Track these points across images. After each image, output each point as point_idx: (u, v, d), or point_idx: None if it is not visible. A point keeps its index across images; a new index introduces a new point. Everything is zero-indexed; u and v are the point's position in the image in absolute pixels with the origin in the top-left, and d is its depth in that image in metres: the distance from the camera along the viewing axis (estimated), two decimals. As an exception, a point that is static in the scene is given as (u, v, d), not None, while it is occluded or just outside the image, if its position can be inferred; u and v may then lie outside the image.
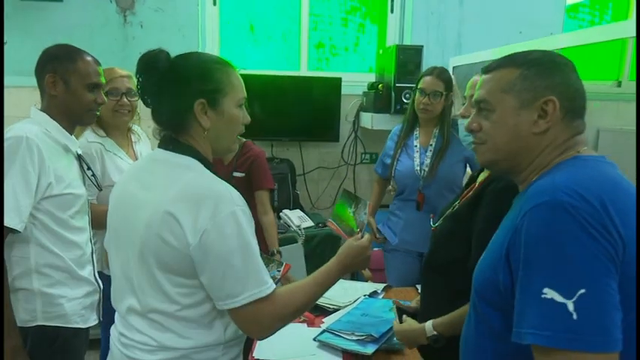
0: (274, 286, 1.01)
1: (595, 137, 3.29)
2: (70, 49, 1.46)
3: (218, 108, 1.03)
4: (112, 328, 1.11)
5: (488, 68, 0.94)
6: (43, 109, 1.45)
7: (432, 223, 1.39)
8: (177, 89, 1.02)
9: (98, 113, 1.54)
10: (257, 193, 2.23)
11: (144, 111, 1.93)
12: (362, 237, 1.19)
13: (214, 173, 1.04)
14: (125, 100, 1.82)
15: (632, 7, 3.62)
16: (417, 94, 2.08)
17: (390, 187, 2.26)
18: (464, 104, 1.35)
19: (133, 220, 1.01)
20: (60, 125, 1.44)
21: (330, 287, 1.12)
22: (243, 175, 2.21)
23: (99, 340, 2.08)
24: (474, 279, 0.93)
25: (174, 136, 1.05)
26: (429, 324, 1.25)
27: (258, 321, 0.99)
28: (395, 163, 2.16)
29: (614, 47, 3.58)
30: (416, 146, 2.11)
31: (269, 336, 1.03)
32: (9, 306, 1.33)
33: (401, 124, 2.23)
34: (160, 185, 1.00)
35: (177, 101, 1.02)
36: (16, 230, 1.31)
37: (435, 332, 1.24)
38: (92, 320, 1.55)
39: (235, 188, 1.01)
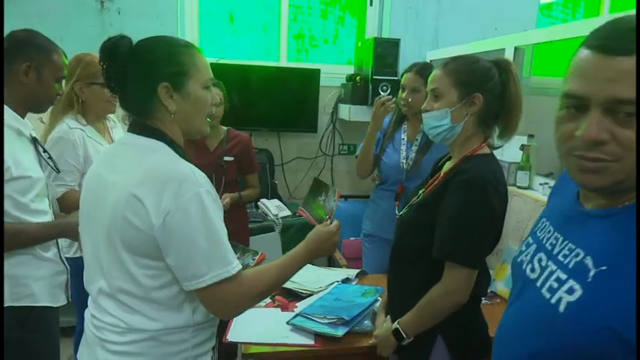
0: (240, 266, 1.02)
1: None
2: (44, 39, 1.45)
3: (183, 90, 1.03)
4: (86, 311, 1.13)
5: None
6: None
7: (397, 211, 1.43)
8: (140, 74, 1.02)
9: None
10: (248, 177, 2.48)
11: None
12: (331, 223, 1.23)
13: (184, 156, 1.05)
14: None
15: (602, 6, 3.73)
16: (399, 90, 2.14)
17: (375, 175, 2.31)
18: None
19: (101, 203, 1.02)
20: (11, 109, 1.42)
21: (296, 271, 1.15)
22: (233, 159, 2.37)
23: (74, 327, 2.10)
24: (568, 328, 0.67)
25: (142, 120, 1.06)
26: (395, 323, 1.31)
27: (224, 301, 1.01)
28: (381, 154, 2.21)
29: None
30: (403, 139, 2.16)
31: (236, 316, 1.06)
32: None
33: (389, 117, 2.28)
34: (127, 168, 1.01)
35: (141, 86, 1.03)
36: None
37: (397, 326, 1.29)
38: (62, 300, 1.55)
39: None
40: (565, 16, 3.75)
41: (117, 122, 2.03)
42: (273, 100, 3.14)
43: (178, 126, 1.06)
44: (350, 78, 3.07)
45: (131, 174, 0.98)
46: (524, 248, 0.88)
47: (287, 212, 2.90)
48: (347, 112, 3.05)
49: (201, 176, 1.00)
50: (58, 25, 2.85)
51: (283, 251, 2.71)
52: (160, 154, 1.02)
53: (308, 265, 2.20)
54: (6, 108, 1.41)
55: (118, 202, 0.97)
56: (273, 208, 2.90)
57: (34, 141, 1.53)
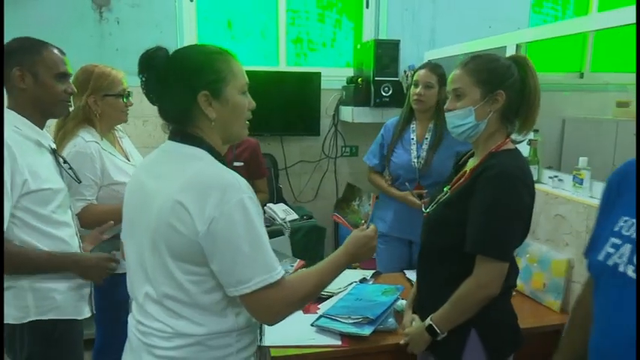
0: (283, 271, 1.03)
1: (561, 126, 3.47)
2: (33, 41, 1.43)
3: (222, 97, 1.04)
4: (130, 316, 1.13)
5: None
6: (10, 106, 1.42)
7: (423, 208, 1.45)
8: (178, 84, 1.04)
9: (70, 104, 1.52)
10: (257, 182, 2.49)
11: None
12: (367, 227, 1.24)
13: (223, 163, 1.06)
14: (130, 100, 1.89)
15: (591, 3, 3.82)
16: (412, 86, 2.17)
17: (388, 177, 2.33)
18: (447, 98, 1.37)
19: (146, 210, 1.03)
20: (29, 120, 1.42)
21: (336, 276, 1.15)
22: (242, 164, 2.38)
23: (92, 340, 2.08)
24: None
25: (182, 128, 1.07)
26: (428, 319, 1.32)
27: (269, 306, 1.01)
28: (390, 154, 2.23)
29: (577, 40, 3.77)
30: (412, 139, 2.19)
31: (278, 322, 1.05)
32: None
33: (397, 117, 2.30)
34: (170, 175, 1.02)
35: (180, 96, 1.04)
36: None
37: (430, 322, 1.30)
38: (86, 312, 1.54)
39: None
40: (555, 13, 3.83)
41: (124, 133, 2.04)
42: (275, 105, 3.13)
43: (217, 133, 1.08)
44: (351, 80, 3.10)
45: (175, 181, 0.99)
46: (612, 250, 0.89)
47: (294, 215, 2.91)
48: (350, 114, 3.07)
49: (243, 183, 1.01)
50: (58, 36, 2.77)
51: (293, 253, 2.73)
52: (203, 161, 1.03)
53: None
54: (23, 120, 1.41)
55: (163, 208, 0.98)
56: (281, 212, 2.90)
57: (54, 152, 1.52)
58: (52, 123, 1.63)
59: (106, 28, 2.91)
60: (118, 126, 2.00)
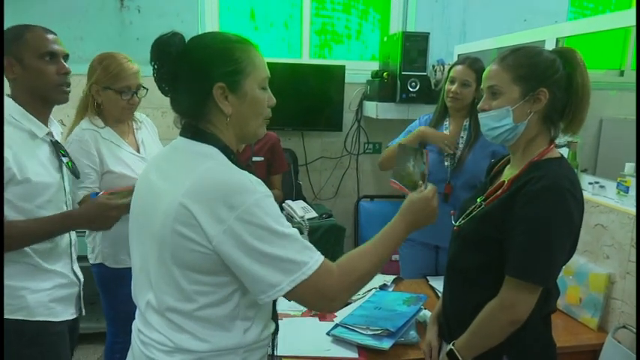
0: (321, 259, 0.92)
1: (598, 126, 3.27)
2: (18, 27, 1.36)
3: (239, 91, 0.95)
4: (133, 323, 1.06)
5: None
6: (11, 95, 1.37)
7: (453, 221, 1.31)
8: (193, 74, 0.95)
9: (69, 89, 1.41)
10: (274, 177, 2.42)
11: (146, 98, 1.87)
12: (425, 188, 1.12)
13: (236, 162, 0.97)
14: (136, 98, 1.77)
15: (635, -4, 3.59)
16: (447, 82, 2.03)
17: None
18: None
19: (152, 212, 0.95)
20: (26, 110, 1.35)
21: (395, 248, 1.04)
22: (262, 159, 2.31)
23: (101, 333, 2.04)
24: None
25: (194, 124, 0.98)
26: (450, 344, 1.20)
27: (321, 294, 0.91)
28: None
29: (617, 36, 3.55)
30: None
31: (339, 308, 0.95)
32: None
33: (430, 114, 2.16)
34: (178, 175, 0.93)
35: (194, 87, 0.95)
36: None
37: (452, 347, 1.18)
38: (68, 314, 1.46)
39: (255, 173, 0.94)
40: (595, 6, 3.61)
41: (143, 123, 1.93)
42: (297, 99, 3.04)
43: (233, 130, 0.99)
44: (376, 74, 2.97)
45: (182, 182, 0.90)
46: None
47: (313, 214, 2.81)
48: (374, 109, 2.95)
49: (256, 182, 0.91)
50: (78, 25, 2.80)
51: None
52: (214, 160, 0.94)
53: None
54: (19, 109, 1.35)
55: (168, 212, 0.90)
56: (299, 209, 2.81)
57: (55, 144, 1.44)
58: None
59: (126, 17, 2.86)
60: (138, 116, 1.91)
